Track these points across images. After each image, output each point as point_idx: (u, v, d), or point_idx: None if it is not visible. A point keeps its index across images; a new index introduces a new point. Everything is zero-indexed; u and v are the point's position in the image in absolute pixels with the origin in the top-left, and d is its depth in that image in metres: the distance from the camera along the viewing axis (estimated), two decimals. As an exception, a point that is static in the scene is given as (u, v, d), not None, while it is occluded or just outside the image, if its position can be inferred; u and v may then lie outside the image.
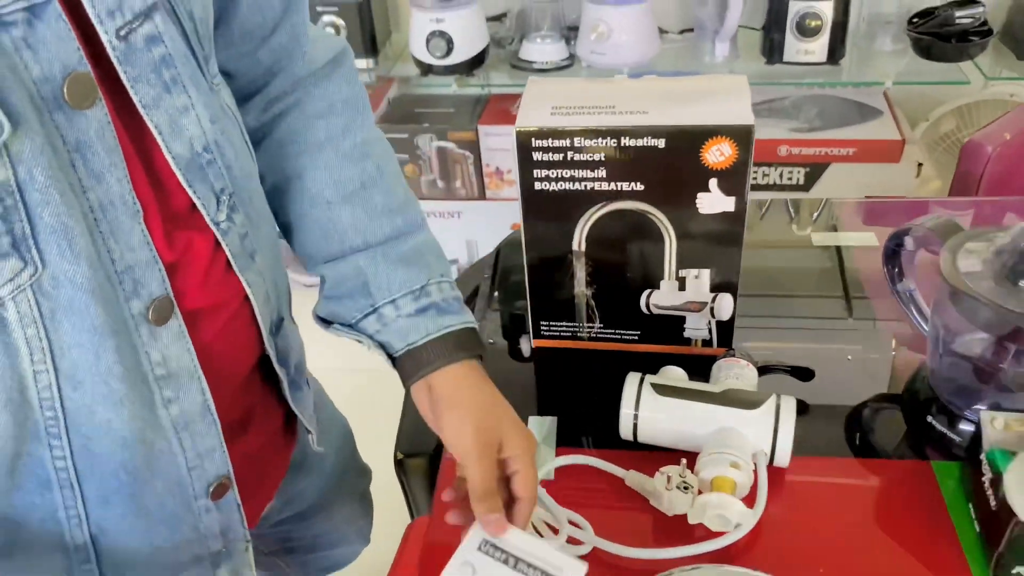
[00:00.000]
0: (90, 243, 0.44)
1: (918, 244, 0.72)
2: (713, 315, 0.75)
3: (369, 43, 1.70)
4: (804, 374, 0.77)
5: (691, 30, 1.71)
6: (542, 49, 1.66)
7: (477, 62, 1.67)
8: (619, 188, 0.69)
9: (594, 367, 0.79)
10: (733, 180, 0.67)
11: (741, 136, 0.65)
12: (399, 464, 0.76)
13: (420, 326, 0.62)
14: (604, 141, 0.67)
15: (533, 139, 0.68)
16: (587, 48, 1.62)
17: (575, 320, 0.78)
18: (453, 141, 1.72)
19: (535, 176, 0.70)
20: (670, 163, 0.67)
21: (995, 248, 0.63)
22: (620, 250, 0.73)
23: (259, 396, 0.65)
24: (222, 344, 0.56)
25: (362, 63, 1.71)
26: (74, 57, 0.41)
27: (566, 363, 0.80)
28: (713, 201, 0.68)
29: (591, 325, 0.78)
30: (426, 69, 1.66)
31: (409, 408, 0.76)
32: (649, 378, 0.68)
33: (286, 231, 0.67)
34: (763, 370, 0.73)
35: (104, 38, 0.43)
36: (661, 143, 0.66)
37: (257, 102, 0.63)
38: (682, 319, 0.77)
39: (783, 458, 0.65)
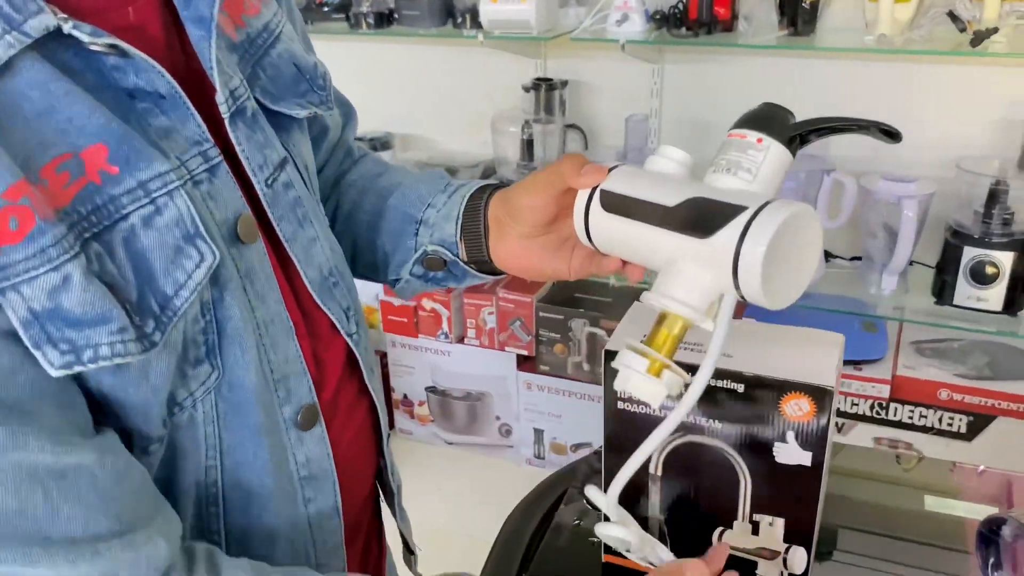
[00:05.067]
0: (256, 354, 0.54)
1: (1016, 535, 0.68)
2: (786, 566, 0.74)
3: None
4: (888, 134, 0.57)
5: (860, 258, 1.71)
6: (705, 257, 1.73)
7: (641, 260, 1.76)
8: (698, 422, 0.72)
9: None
10: (811, 436, 0.68)
11: (819, 396, 0.66)
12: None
13: (458, 198, 0.70)
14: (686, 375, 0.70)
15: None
16: (748, 262, 1.66)
17: (647, 541, 0.79)
18: (605, 329, 1.79)
19: (619, 395, 0.74)
20: (749, 408, 0.69)
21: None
22: (696, 482, 0.75)
23: (369, 512, 0.73)
24: (351, 450, 0.65)
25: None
26: (240, 203, 0.54)
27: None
28: (790, 453, 0.69)
29: (663, 550, 0.79)
30: (591, 260, 1.77)
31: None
32: (606, 182, 0.59)
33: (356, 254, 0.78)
34: (802, 138, 0.56)
35: (257, 187, 0.56)
36: (740, 388, 0.69)
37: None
38: (754, 564, 0.75)
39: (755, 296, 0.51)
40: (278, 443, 0.56)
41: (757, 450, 0.70)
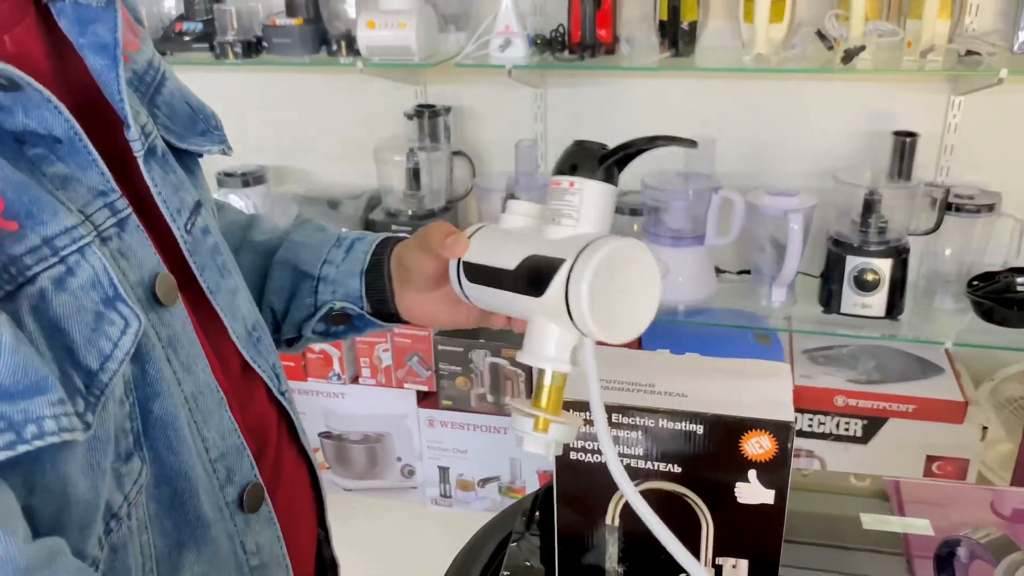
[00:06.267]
0: (189, 435, 0.46)
1: (971, 556, 0.68)
2: (750, 608, 0.71)
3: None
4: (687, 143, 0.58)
5: (748, 271, 1.75)
6: (601, 279, 1.72)
7: (537, 286, 1.73)
8: (655, 467, 0.68)
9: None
10: (773, 473, 0.66)
11: (780, 431, 0.64)
12: None
13: (359, 253, 0.68)
14: (641, 420, 0.67)
15: (571, 410, 0.68)
16: (645, 282, 1.67)
17: (604, 595, 0.75)
18: (507, 358, 1.74)
19: (570, 446, 0.69)
20: (708, 449, 0.66)
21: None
22: (654, 528, 0.71)
23: None
24: (297, 526, 0.58)
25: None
26: (154, 260, 0.46)
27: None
28: (752, 492, 0.67)
29: (621, 603, 0.75)
30: (487, 290, 1.72)
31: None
32: (468, 253, 0.61)
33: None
34: (618, 164, 0.56)
35: (177, 233, 0.49)
36: (699, 429, 0.66)
37: None
38: (717, 608, 0.72)
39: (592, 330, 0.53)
40: (223, 533, 0.49)
41: (717, 491, 0.68)
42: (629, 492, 0.56)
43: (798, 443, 1.60)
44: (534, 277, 0.55)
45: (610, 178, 0.57)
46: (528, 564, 0.83)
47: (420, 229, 0.65)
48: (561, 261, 0.53)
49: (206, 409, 0.48)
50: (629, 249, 0.54)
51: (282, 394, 0.58)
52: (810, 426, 1.59)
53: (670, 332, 1.73)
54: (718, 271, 1.76)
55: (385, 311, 0.69)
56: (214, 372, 0.49)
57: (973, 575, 0.68)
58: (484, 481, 1.84)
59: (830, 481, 1.08)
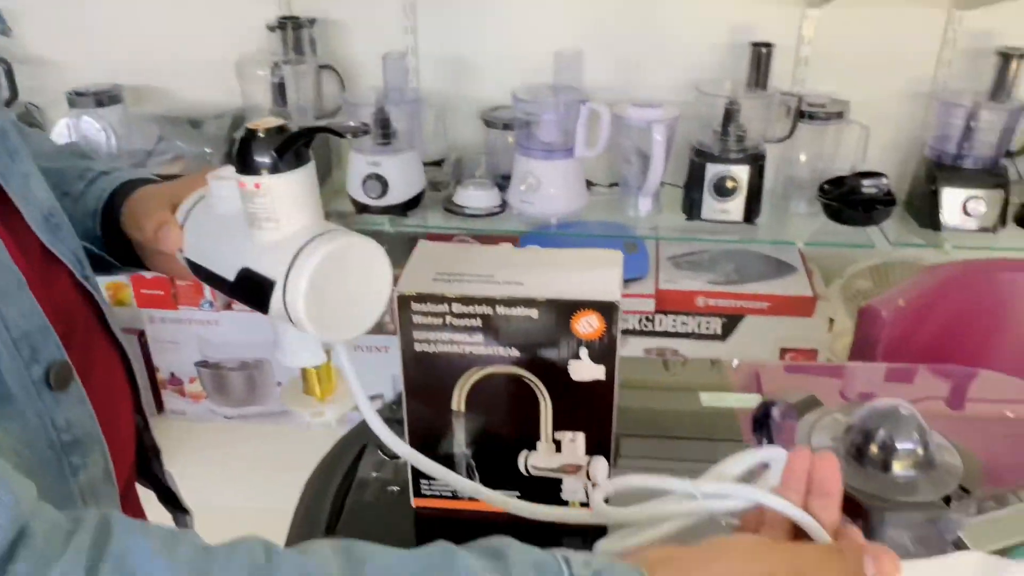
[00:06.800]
0: None
1: (783, 416, 0.75)
2: (589, 478, 0.76)
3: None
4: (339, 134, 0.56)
5: (618, 184, 1.80)
6: (475, 195, 1.73)
7: (413, 204, 1.73)
8: (496, 353, 0.71)
9: (474, 527, 0.78)
10: (602, 350, 0.70)
11: (607, 310, 0.68)
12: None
13: (97, 191, 0.65)
14: (480, 308, 0.69)
15: (413, 303, 0.70)
16: (518, 197, 1.69)
17: (455, 479, 0.78)
18: (384, 277, 1.75)
19: (415, 338, 0.72)
20: (542, 332, 0.70)
21: (845, 426, 0.66)
22: (499, 412, 0.74)
23: (133, 478, 0.67)
24: (114, 411, 0.59)
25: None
26: None
27: (445, 523, 0.80)
28: (584, 369, 0.71)
29: (471, 484, 0.78)
30: (361, 208, 1.71)
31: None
32: (187, 248, 0.60)
33: None
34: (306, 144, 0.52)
35: None
36: (534, 313, 0.69)
37: None
38: (559, 481, 0.77)
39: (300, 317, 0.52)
40: (30, 410, 0.49)
41: (553, 371, 0.71)
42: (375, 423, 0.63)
43: (663, 343, 1.69)
44: (252, 295, 0.54)
45: (298, 162, 0.53)
46: (387, 458, 0.86)
47: (143, 192, 0.62)
48: (272, 282, 0.52)
49: (4, 289, 0.48)
50: (340, 250, 0.53)
51: (86, 279, 0.58)
52: (673, 326, 1.68)
53: (542, 243, 1.77)
54: (589, 184, 1.80)
55: (129, 256, 0.66)
56: (12, 255, 0.49)
57: (784, 432, 0.75)
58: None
59: (695, 376, 1.12)
